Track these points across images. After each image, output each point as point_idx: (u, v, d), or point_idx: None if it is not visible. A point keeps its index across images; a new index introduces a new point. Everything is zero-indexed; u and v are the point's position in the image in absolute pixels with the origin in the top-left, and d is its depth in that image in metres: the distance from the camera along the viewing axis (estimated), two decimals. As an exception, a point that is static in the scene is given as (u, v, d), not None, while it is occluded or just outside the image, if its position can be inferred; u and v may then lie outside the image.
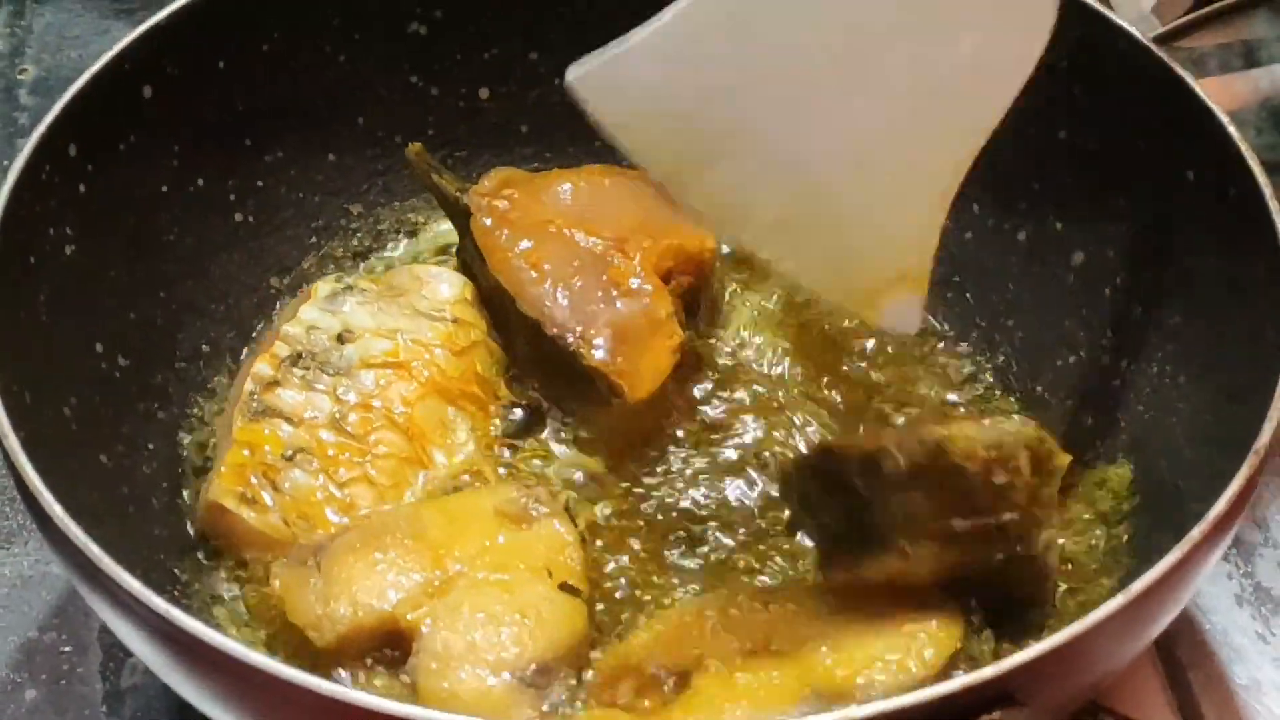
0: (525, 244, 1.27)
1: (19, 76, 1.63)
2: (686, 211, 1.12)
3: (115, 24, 1.68)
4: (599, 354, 1.23)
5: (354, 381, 1.22)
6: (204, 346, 1.28)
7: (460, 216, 1.31)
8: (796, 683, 1.03)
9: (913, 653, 1.03)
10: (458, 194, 1.31)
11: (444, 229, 1.39)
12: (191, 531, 1.19)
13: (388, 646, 1.09)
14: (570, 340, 1.23)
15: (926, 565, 1.04)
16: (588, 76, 1.05)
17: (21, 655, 1.21)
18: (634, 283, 1.26)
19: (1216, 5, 1.51)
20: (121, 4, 1.71)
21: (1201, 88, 1.17)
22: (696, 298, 1.32)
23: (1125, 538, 1.16)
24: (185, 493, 1.21)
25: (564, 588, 1.10)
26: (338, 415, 1.21)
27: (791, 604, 1.10)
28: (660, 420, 1.26)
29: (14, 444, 1.00)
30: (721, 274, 1.35)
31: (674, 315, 1.26)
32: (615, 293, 1.25)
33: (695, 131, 1.07)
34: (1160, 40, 1.46)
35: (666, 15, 1.05)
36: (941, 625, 1.05)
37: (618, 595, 1.16)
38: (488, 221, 1.29)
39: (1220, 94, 1.14)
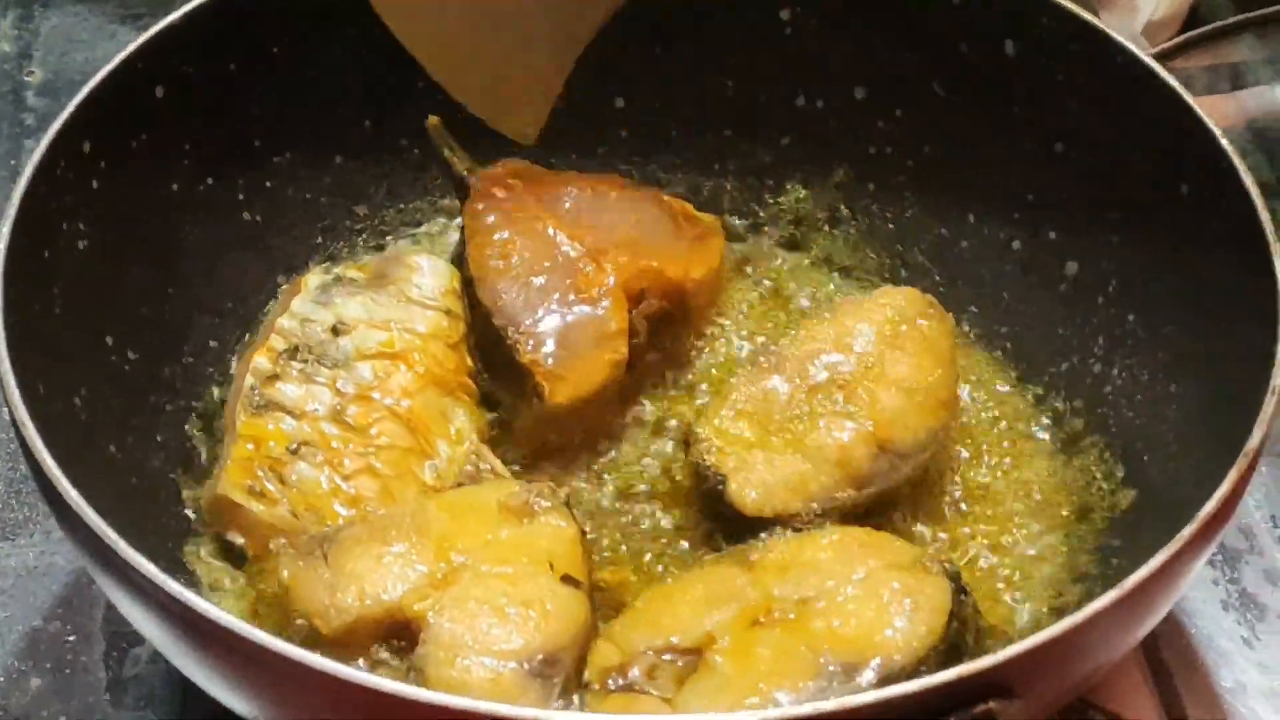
0: (504, 234, 1.29)
1: (26, 79, 1.65)
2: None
3: (121, 29, 1.70)
4: (530, 351, 1.24)
5: (352, 374, 1.24)
6: (212, 342, 1.29)
7: (463, 195, 1.33)
8: (812, 654, 1.05)
9: (917, 621, 1.06)
10: (465, 172, 1.34)
11: (449, 231, 1.40)
12: (198, 523, 1.20)
13: (393, 637, 1.10)
14: (510, 333, 1.24)
15: None
16: None
17: (26, 644, 1.23)
18: (595, 292, 1.27)
19: (1204, 29, 1.54)
20: (127, 9, 1.73)
21: (1190, 106, 1.20)
22: (673, 324, 1.32)
23: (1115, 539, 1.19)
24: (193, 485, 1.22)
25: (566, 580, 1.11)
26: (338, 407, 1.22)
27: (771, 562, 1.13)
28: (584, 430, 1.27)
29: (31, 432, 1.02)
30: (705, 310, 1.35)
31: (623, 333, 1.26)
32: (573, 298, 1.26)
33: None
34: (1150, 62, 1.49)
35: None
36: (928, 583, 1.08)
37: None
38: (480, 205, 1.31)
39: (1208, 115, 1.17)
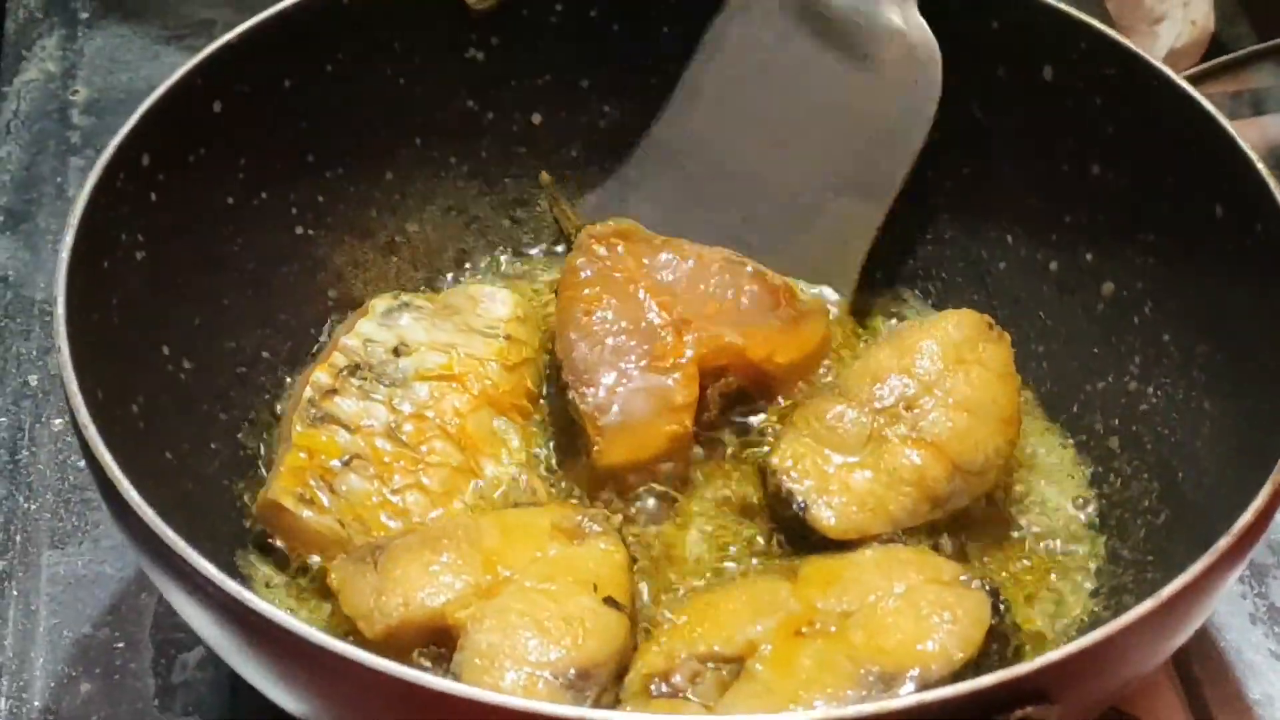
0: (593, 290, 1.30)
1: (71, 98, 1.67)
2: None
3: (164, 49, 1.72)
4: (589, 405, 1.24)
5: (409, 392, 1.25)
6: (264, 354, 1.30)
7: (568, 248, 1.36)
8: (852, 665, 1.07)
9: (955, 633, 1.08)
10: (573, 230, 1.37)
11: (496, 250, 1.43)
12: (249, 529, 1.22)
13: (433, 643, 1.11)
14: (573, 382, 1.25)
15: None
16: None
17: (77, 651, 1.24)
18: (670, 363, 1.26)
19: (1226, 57, 1.55)
20: (170, 30, 1.75)
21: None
22: (751, 401, 1.31)
23: (1150, 555, 1.20)
24: (245, 492, 1.24)
25: (608, 601, 1.12)
26: (393, 425, 1.24)
27: (814, 575, 1.15)
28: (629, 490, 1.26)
29: (94, 434, 1.04)
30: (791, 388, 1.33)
31: (690, 407, 1.25)
32: (646, 364, 1.26)
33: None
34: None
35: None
36: (968, 598, 1.11)
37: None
38: (580, 260, 1.32)
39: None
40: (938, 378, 1.24)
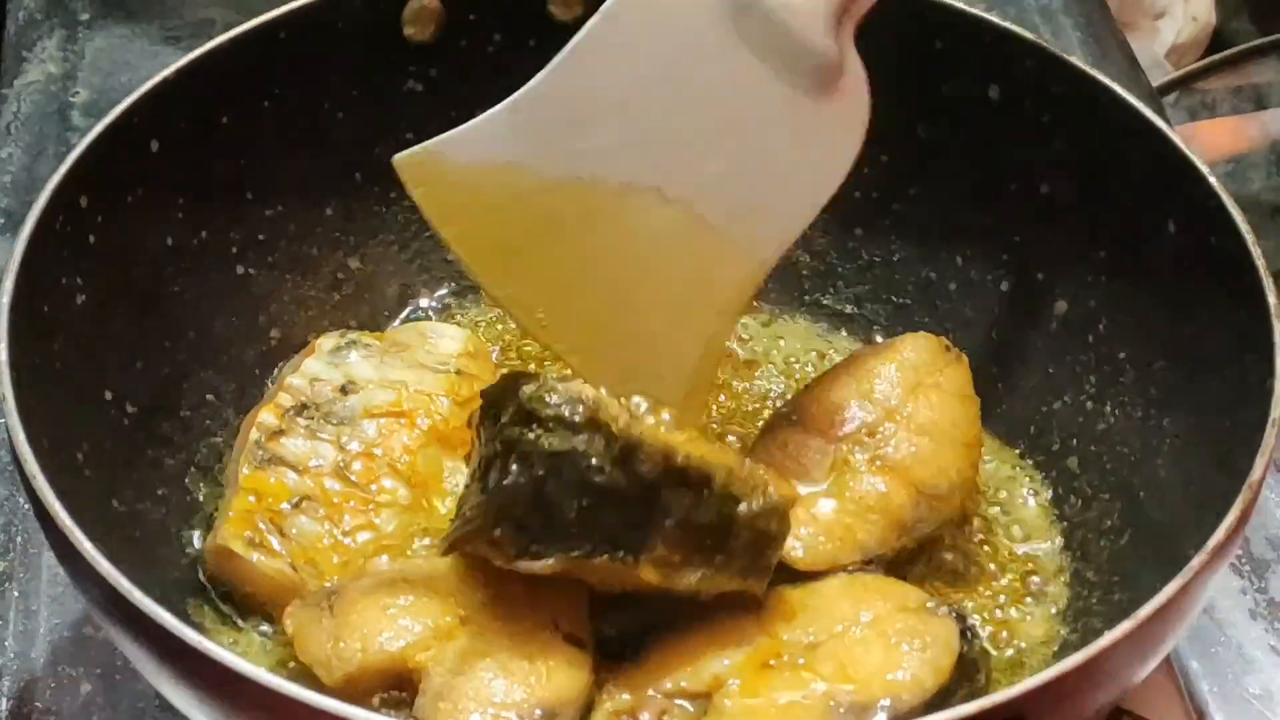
0: None
1: (71, 99, 1.67)
2: (489, 298, 1.21)
3: (165, 50, 1.72)
4: None
5: (357, 430, 1.24)
6: (208, 396, 1.29)
7: None
8: (822, 697, 1.05)
9: (925, 661, 1.07)
10: None
11: (440, 285, 1.42)
12: (202, 577, 1.20)
13: (394, 688, 1.10)
14: None
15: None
16: (410, 160, 1.17)
17: (77, 649, 1.24)
18: None
19: (1227, 52, 1.56)
20: (170, 31, 1.75)
21: (1213, 130, 1.21)
22: None
23: (1115, 575, 1.20)
24: (194, 539, 1.23)
25: (569, 638, 1.11)
26: (342, 464, 1.22)
27: (780, 607, 1.13)
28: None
29: (42, 484, 1.02)
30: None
31: None
32: None
33: (508, 221, 1.18)
34: (1174, 84, 1.51)
35: (495, 109, 1.17)
36: (935, 625, 1.10)
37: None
38: None
39: (1232, 136, 1.18)
40: (898, 403, 1.22)
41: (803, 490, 1.19)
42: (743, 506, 1.08)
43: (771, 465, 1.18)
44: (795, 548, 1.17)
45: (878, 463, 1.20)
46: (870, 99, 1.18)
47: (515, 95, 1.18)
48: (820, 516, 1.19)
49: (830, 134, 1.19)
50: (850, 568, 1.17)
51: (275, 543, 1.18)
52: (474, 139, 1.18)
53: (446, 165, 1.18)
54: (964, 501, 1.23)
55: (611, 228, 1.18)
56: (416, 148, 1.19)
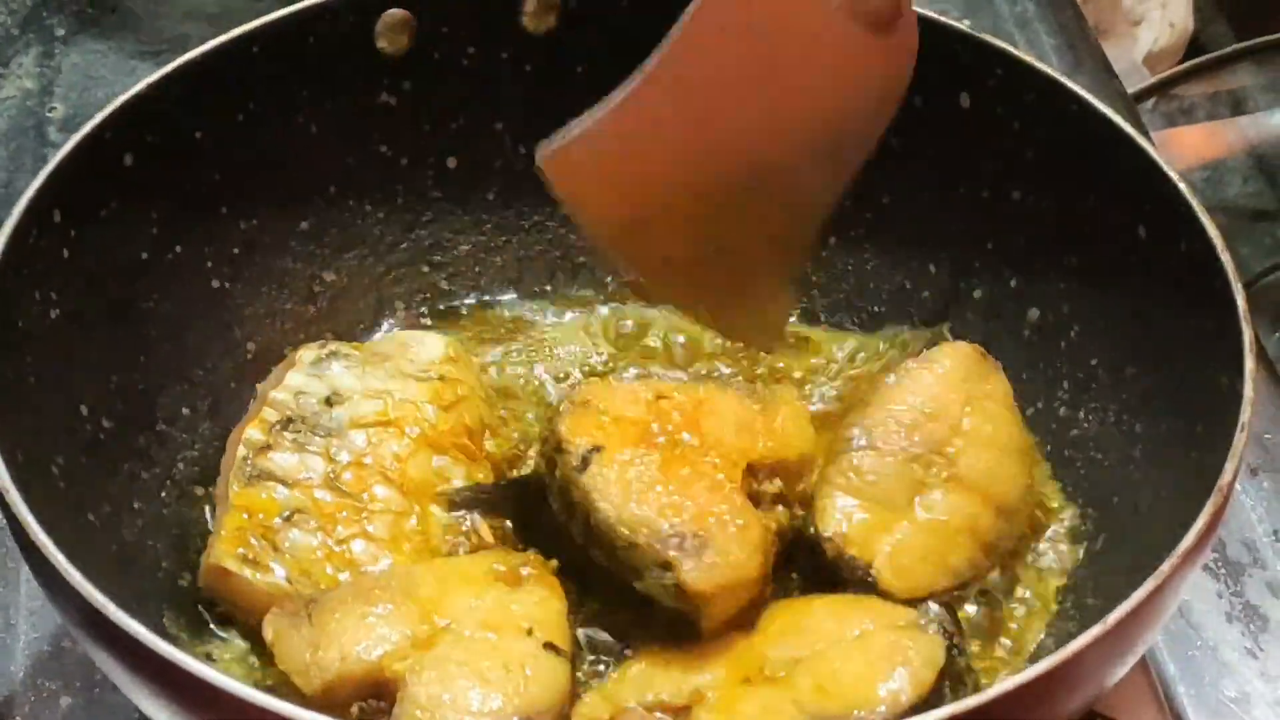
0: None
1: (48, 114, 1.68)
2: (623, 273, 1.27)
3: (141, 65, 1.72)
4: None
5: (345, 441, 1.24)
6: (184, 410, 1.29)
7: None
8: (797, 710, 1.05)
9: (905, 675, 1.07)
10: None
11: (415, 296, 1.41)
12: (177, 590, 1.20)
13: (373, 696, 1.10)
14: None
15: None
16: (558, 156, 1.15)
17: (56, 663, 1.24)
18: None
19: (1204, 57, 1.56)
20: (146, 46, 1.75)
21: (1191, 135, 1.21)
22: None
23: (1089, 579, 1.20)
24: (170, 554, 1.22)
25: (548, 647, 1.11)
26: (331, 475, 1.22)
27: (769, 626, 1.13)
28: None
29: (16, 498, 1.02)
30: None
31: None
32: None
33: (641, 198, 1.16)
34: (1151, 90, 1.51)
35: (621, 93, 1.14)
36: (922, 641, 1.09)
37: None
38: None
39: (1209, 141, 1.18)
40: (956, 417, 1.21)
41: (887, 516, 1.18)
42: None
43: (849, 493, 1.18)
44: (894, 577, 1.16)
45: (953, 481, 1.19)
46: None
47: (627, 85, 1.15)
48: (909, 544, 1.17)
49: (884, 71, 1.19)
50: (950, 591, 1.17)
51: (269, 558, 1.18)
52: (615, 124, 1.16)
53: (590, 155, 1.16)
54: (1033, 512, 1.23)
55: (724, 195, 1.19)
56: (560, 142, 1.15)
